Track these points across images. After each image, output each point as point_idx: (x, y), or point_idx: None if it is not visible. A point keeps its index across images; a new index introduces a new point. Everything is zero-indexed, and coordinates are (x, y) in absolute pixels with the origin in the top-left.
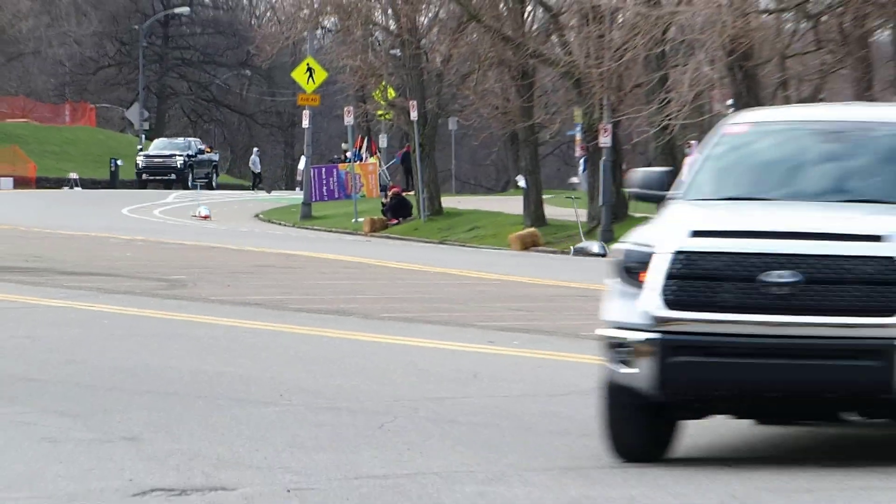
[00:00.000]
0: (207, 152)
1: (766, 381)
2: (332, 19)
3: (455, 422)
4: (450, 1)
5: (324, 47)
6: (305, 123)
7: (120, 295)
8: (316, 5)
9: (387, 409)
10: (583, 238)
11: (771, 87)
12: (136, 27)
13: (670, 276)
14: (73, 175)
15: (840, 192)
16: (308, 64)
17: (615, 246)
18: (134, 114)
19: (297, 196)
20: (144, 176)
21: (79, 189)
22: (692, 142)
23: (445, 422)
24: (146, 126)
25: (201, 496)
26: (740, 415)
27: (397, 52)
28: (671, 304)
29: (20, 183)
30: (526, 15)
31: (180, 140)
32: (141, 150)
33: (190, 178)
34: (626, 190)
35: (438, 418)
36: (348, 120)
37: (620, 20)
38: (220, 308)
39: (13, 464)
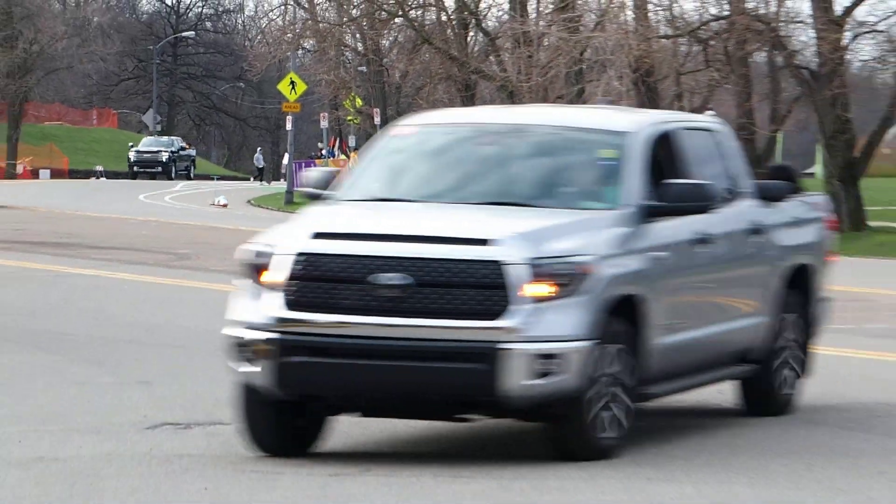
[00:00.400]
0: (187, 149)
1: (376, 382)
2: (311, 42)
3: None
4: (407, 27)
5: (304, 64)
6: (289, 126)
7: (137, 265)
8: (297, 30)
9: None
10: None
11: (668, 99)
12: (151, 48)
13: (292, 278)
14: (99, 168)
15: (483, 195)
16: (291, 78)
17: (242, 246)
18: (149, 118)
19: (282, 185)
20: (135, 168)
21: (104, 179)
22: None
23: None
24: (158, 128)
25: (202, 429)
26: (365, 413)
27: (364, 68)
28: (292, 304)
29: (56, 174)
30: (469, 39)
31: (165, 138)
32: (132, 146)
33: (173, 170)
34: (299, 189)
35: None
36: (323, 124)
37: (546, 43)
38: (218, 276)
39: (49, 403)
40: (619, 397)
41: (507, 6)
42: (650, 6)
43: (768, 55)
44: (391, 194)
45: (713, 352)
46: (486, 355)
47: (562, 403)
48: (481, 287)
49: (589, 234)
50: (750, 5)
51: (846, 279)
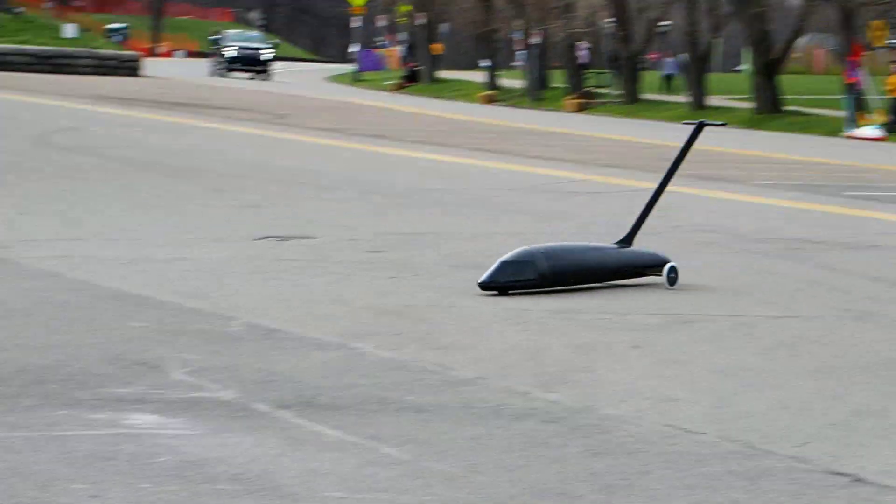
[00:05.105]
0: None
1: None
2: None
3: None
4: None
5: None
6: (355, 24)
7: (247, 121)
8: None
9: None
10: None
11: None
12: None
13: None
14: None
15: None
16: None
17: None
18: (253, 16)
19: (351, 66)
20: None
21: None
22: (580, 43)
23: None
24: (260, 23)
25: (297, 241)
26: None
27: None
28: None
29: (189, 55)
30: None
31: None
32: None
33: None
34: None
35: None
36: (381, 23)
37: None
38: (305, 130)
39: (192, 220)
40: None
41: None
42: None
43: None
44: None
45: None
46: None
47: None
48: None
49: None
50: None
51: (771, 149)
